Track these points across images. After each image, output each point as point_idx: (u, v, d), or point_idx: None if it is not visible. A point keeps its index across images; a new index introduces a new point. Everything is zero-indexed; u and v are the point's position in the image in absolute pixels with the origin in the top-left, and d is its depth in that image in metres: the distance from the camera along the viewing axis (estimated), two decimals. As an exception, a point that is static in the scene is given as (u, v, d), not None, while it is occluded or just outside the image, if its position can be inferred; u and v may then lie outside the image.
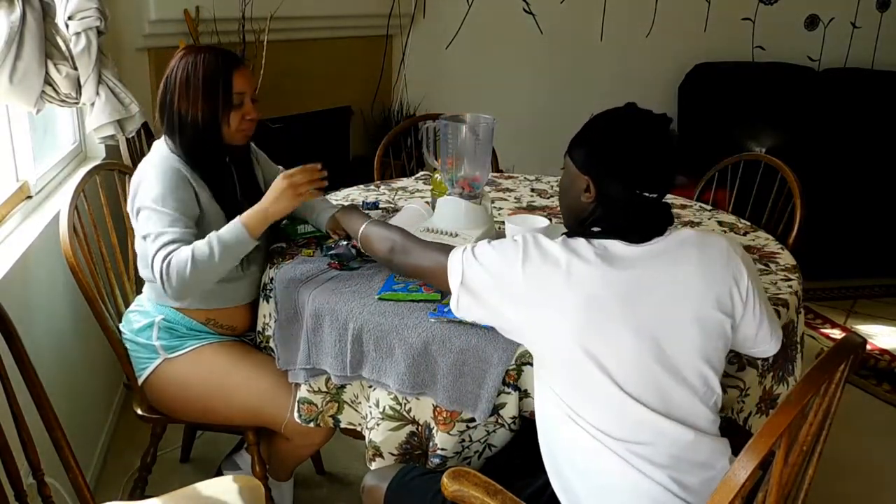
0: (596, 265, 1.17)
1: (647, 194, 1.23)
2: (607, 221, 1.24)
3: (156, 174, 1.61)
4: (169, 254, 1.53)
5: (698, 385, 1.20)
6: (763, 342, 1.34)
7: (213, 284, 1.62)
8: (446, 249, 1.32)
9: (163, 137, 1.70)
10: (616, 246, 1.21)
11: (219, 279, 1.61)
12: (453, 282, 1.27)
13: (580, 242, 1.21)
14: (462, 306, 1.27)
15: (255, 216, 1.58)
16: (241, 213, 1.70)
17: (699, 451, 1.18)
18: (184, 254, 1.52)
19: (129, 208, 1.68)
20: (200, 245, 1.53)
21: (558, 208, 2.15)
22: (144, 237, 1.58)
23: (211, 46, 1.71)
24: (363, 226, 1.56)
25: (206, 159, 1.68)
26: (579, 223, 1.29)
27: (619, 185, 1.24)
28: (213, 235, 1.55)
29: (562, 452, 1.24)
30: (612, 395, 1.16)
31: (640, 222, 1.23)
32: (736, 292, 1.24)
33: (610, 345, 1.16)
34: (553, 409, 1.23)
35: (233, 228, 1.57)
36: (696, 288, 1.20)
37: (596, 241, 1.22)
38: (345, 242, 1.69)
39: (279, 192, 1.58)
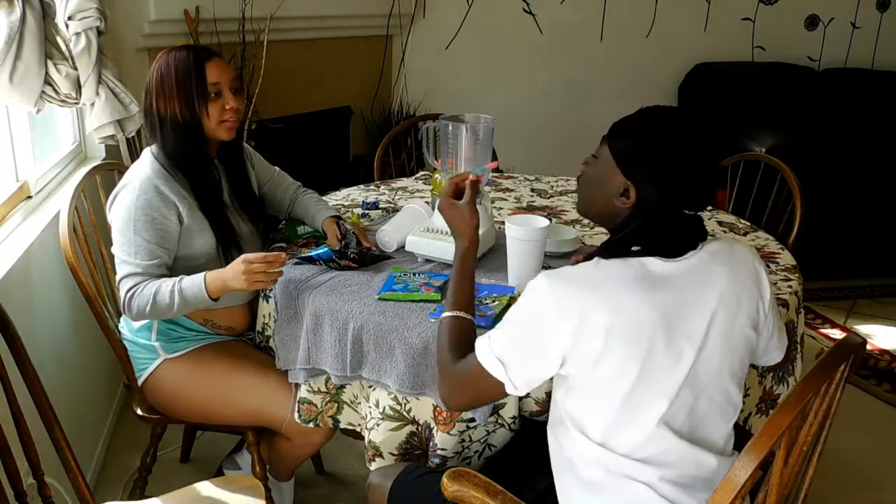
0: (637, 290, 1.10)
1: (685, 211, 1.16)
2: (646, 239, 1.14)
3: (133, 194, 1.61)
4: (132, 287, 1.58)
5: (727, 407, 1.18)
6: (772, 351, 1.32)
7: None
8: (471, 347, 1.20)
9: (150, 149, 1.70)
10: (654, 263, 1.13)
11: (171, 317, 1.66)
12: (499, 374, 1.16)
13: (615, 264, 1.13)
14: (522, 387, 1.16)
15: (216, 282, 1.56)
16: (226, 216, 1.71)
17: (719, 473, 1.15)
18: (147, 293, 1.57)
19: (108, 214, 1.70)
20: (163, 290, 1.57)
21: (558, 208, 2.16)
22: (115, 256, 1.63)
23: (184, 45, 1.72)
24: None
25: (190, 160, 1.67)
26: (613, 231, 1.20)
27: (661, 196, 1.14)
28: (176, 286, 1.56)
29: (583, 488, 1.19)
30: (647, 424, 1.12)
31: (679, 238, 1.16)
32: (761, 306, 1.21)
33: (650, 373, 1.10)
34: (580, 446, 1.17)
35: (196, 286, 1.56)
36: (730, 306, 1.15)
37: (633, 261, 1.13)
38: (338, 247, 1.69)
39: (235, 272, 1.53)
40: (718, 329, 1.14)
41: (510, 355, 1.15)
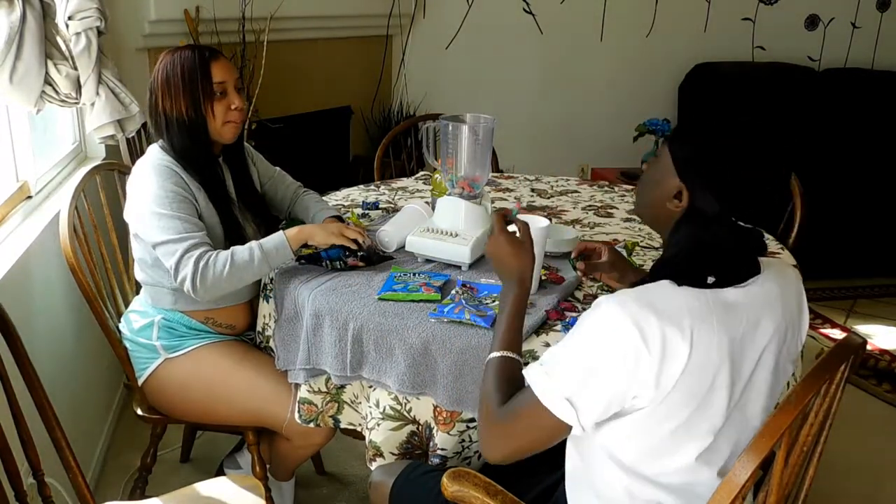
0: (713, 326, 1.03)
1: (741, 223, 1.09)
2: (720, 269, 1.07)
3: (155, 177, 1.62)
4: (202, 256, 1.56)
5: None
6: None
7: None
8: (523, 387, 1.10)
9: (157, 142, 1.70)
10: (726, 291, 1.07)
11: (245, 284, 1.66)
12: (568, 417, 1.03)
13: (692, 295, 1.05)
14: (590, 427, 1.05)
15: (297, 232, 1.62)
16: (234, 213, 1.72)
17: None
18: (222, 258, 1.57)
19: (127, 213, 1.68)
20: (239, 250, 1.58)
21: (558, 208, 2.16)
22: (160, 243, 1.58)
23: (188, 45, 1.72)
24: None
25: (198, 158, 1.68)
26: (669, 240, 1.14)
27: (717, 204, 1.07)
28: (254, 243, 1.60)
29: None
30: (688, 456, 1.09)
31: (747, 264, 1.10)
32: (800, 339, 1.19)
33: (704, 408, 1.06)
34: (608, 473, 1.12)
35: (275, 238, 1.61)
36: (779, 341, 1.11)
37: (709, 292, 1.06)
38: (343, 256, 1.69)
39: (329, 227, 1.63)
40: (765, 364, 1.11)
41: (582, 394, 1.03)
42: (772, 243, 1.94)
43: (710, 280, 1.06)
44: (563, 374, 1.04)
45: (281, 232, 1.62)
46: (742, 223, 1.10)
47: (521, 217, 1.60)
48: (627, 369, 1.00)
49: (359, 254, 1.67)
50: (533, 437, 1.08)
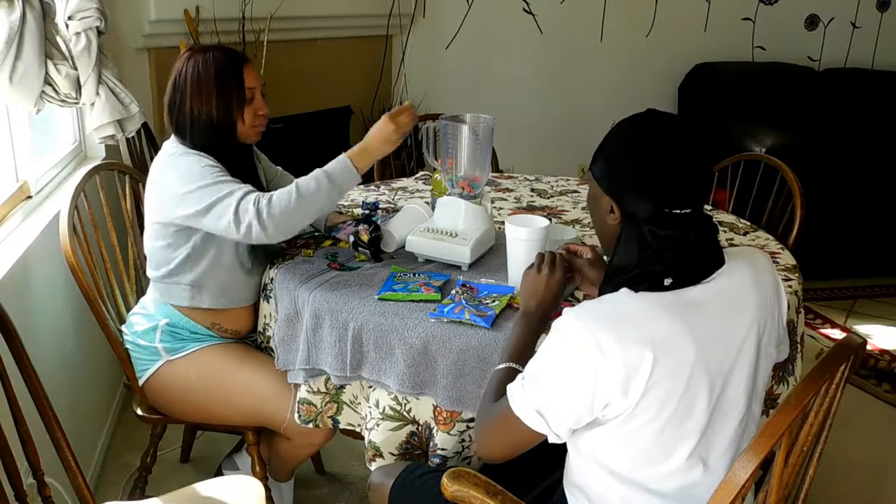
0: (676, 324, 1.04)
1: (676, 211, 1.08)
2: (676, 268, 1.07)
3: (186, 159, 1.60)
4: (260, 197, 1.52)
5: (753, 430, 1.16)
6: (780, 354, 1.27)
7: (231, 277, 1.67)
8: (503, 392, 1.14)
9: (172, 138, 1.68)
10: (692, 292, 1.08)
11: (317, 216, 1.61)
12: (540, 428, 1.09)
13: (650, 297, 1.06)
14: (565, 435, 1.09)
15: (359, 152, 1.60)
16: None
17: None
18: (285, 191, 1.54)
19: (157, 205, 1.63)
20: (304, 180, 1.55)
21: (558, 208, 2.16)
22: (210, 206, 1.52)
23: (216, 45, 1.72)
24: None
25: (219, 156, 1.66)
26: (614, 253, 1.15)
27: (643, 202, 1.09)
28: (318, 171, 1.57)
29: None
30: (679, 458, 1.09)
31: (704, 261, 1.10)
32: (780, 323, 1.19)
33: (685, 408, 1.06)
34: (601, 484, 1.14)
35: (338, 162, 1.57)
36: (758, 331, 1.12)
37: (670, 294, 1.07)
38: (353, 226, 1.71)
39: (386, 133, 1.61)
40: (745, 355, 1.11)
41: (550, 407, 1.08)
42: (772, 243, 1.94)
43: (667, 282, 1.07)
44: (534, 387, 1.10)
45: (342, 155, 1.59)
46: (689, 208, 1.09)
47: (520, 216, 1.61)
48: (590, 382, 1.04)
49: (359, 226, 1.70)
50: (515, 441, 1.16)
